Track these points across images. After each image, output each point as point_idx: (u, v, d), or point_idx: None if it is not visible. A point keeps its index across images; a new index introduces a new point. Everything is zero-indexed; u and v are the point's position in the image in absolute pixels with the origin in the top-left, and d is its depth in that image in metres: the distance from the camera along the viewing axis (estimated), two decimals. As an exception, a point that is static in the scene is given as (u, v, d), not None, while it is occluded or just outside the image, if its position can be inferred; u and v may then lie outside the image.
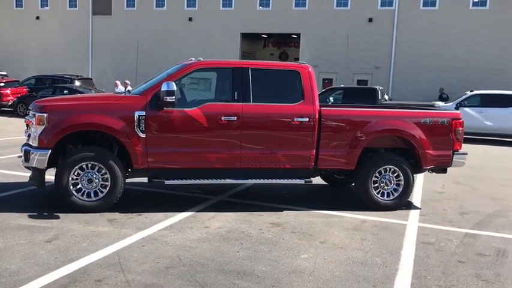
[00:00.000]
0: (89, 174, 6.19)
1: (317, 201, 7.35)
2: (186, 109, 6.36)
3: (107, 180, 6.23)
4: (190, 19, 29.45)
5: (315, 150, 6.71)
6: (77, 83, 23.29)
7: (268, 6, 28.35)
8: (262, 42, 35.07)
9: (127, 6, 30.97)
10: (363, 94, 17.79)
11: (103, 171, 6.22)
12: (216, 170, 6.54)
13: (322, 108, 6.83)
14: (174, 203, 6.88)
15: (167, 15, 29.92)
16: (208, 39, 28.44)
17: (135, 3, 30.79)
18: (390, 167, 6.95)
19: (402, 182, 6.97)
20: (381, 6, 26.69)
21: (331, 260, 4.89)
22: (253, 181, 6.69)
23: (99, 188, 6.24)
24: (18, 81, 24.65)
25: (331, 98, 18.52)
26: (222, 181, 6.55)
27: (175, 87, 6.08)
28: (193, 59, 6.95)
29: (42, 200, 6.83)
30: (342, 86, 21.10)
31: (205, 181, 6.49)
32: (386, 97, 20.42)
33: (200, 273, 4.39)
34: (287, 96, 6.75)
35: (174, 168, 6.43)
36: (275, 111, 6.60)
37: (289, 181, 6.74)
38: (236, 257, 4.86)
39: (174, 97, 6.06)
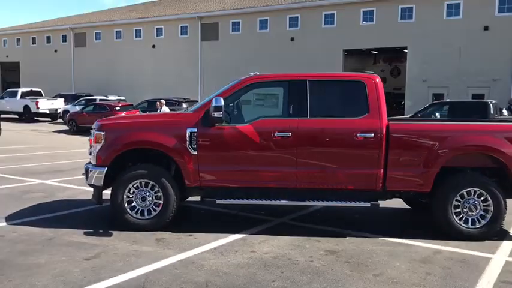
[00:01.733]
0: (143, 192, 6.16)
1: (390, 227, 6.56)
2: (237, 125, 6.08)
3: (160, 198, 6.15)
4: (292, 39, 29.44)
5: (382, 170, 5.99)
6: (184, 105, 24.46)
7: (372, 21, 27.28)
8: (372, 59, 33.87)
9: (232, 31, 32.00)
10: (473, 109, 16.06)
11: (156, 189, 6.15)
12: (270, 189, 6.12)
13: (390, 122, 6.11)
14: (231, 223, 6.57)
15: (270, 36, 30.26)
16: (310, 58, 28.07)
17: (240, 27, 31.70)
18: (475, 189, 5.96)
19: (491, 208, 5.93)
20: (499, 12, 24.21)
21: (378, 297, 4.18)
22: (310, 203, 6.12)
23: (152, 206, 6.17)
24: (132, 105, 26.57)
25: (437, 114, 17.08)
26: (276, 202, 6.09)
27: (222, 103, 5.83)
28: (252, 73, 6.66)
29: (104, 218, 6.94)
30: (448, 100, 19.35)
31: (258, 201, 6.10)
32: (505, 112, 18.29)
33: (221, 303, 4.00)
34: (349, 110, 6.16)
35: (225, 187, 6.14)
36: (335, 126, 6.03)
37: (352, 204, 6.06)
38: (269, 287, 4.37)
39: (221, 113, 5.81)
